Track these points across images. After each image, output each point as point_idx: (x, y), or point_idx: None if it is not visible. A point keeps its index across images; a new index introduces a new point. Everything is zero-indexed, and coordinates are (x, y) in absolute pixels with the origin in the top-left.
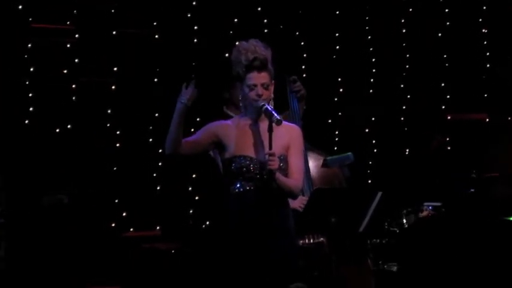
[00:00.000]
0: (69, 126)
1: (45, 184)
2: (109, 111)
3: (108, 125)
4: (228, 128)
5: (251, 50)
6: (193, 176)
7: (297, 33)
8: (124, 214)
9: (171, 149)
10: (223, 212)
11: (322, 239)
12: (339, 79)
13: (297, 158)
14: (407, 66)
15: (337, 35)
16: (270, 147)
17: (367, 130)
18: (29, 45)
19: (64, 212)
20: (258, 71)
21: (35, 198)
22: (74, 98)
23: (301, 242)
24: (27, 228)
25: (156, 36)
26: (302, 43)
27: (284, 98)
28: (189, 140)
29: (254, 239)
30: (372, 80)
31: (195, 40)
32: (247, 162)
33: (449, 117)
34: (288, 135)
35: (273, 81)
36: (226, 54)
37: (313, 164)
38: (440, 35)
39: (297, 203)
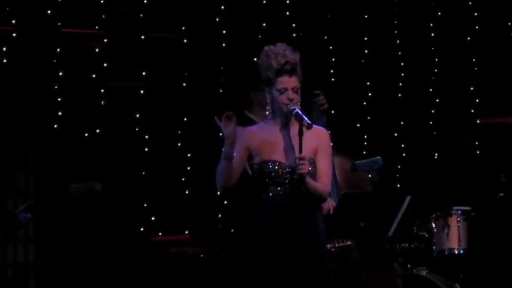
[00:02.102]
0: (97, 131)
1: (77, 183)
2: (137, 115)
3: (136, 129)
4: (255, 133)
5: (281, 54)
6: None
7: (325, 37)
8: (153, 218)
9: (224, 186)
10: (250, 216)
11: (349, 242)
12: (368, 83)
13: (325, 162)
14: (436, 70)
15: (365, 39)
16: (300, 151)
17: (395, 134)
18: (58, 50)
19: (96, 200)
20: (288, 75)
21: (64, 197)
22: (102, 102)
23: (328, 246)
24: (56, 225)
25: (185, 40)
26: (330, 47)
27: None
28: (235, 162)
29: (284, 243)
30: (400, 84)
31: (224, 44)
32: (276, 167)
33: (478, 121)
34: (316, 138)
35: (300, 85)
36: (255, 59)
37: (339, 169)
38: (469, 39)
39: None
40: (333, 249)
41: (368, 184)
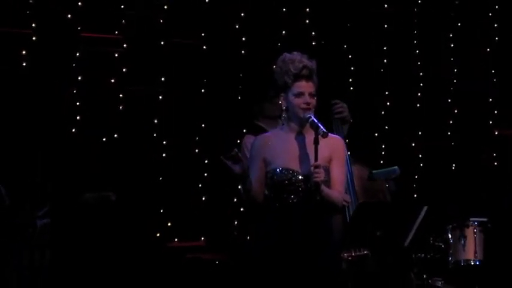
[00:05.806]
0: (115, 136)
1: (92, 192)
2: (156, 121)
3: (154, 134)
4: (269, 140)
5: (298, 59)
6: (239, 187)
7: (345, 46)
8: (169, 224)
9: (258, 202)
10: (262, 225)
11: (366, 252)
12: (386, 93)
13: (339, 170)
14: (454, 81)
15: (384, 48)
16: (316, 160)
17: (413, 144)
18: (77, 54)
19: (111, 210)
20: (306, 79)
21: (80, 203)
22: (121, 107)
23: (345, 254)
24: (72, 231)
25: (204, 47)
26: (350, 56)
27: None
28: (257, 180)
29: (297, 252)
30: (419, 93)
31: (243, 51)
32: (290, 175)
33: (496, 133)
34: (330, 146)
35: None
36: (274, 66)
37: (357, 177)
38: (488, 50)
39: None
40: (349, 258)
41: (386, 193)
